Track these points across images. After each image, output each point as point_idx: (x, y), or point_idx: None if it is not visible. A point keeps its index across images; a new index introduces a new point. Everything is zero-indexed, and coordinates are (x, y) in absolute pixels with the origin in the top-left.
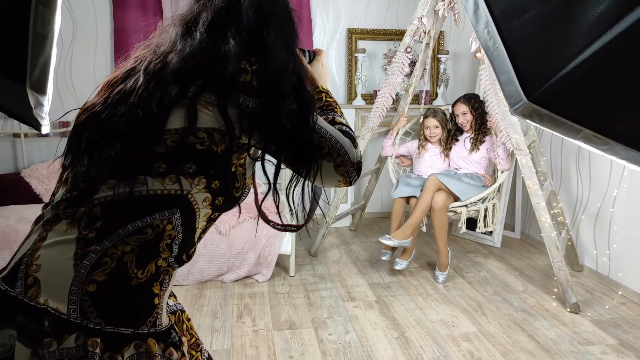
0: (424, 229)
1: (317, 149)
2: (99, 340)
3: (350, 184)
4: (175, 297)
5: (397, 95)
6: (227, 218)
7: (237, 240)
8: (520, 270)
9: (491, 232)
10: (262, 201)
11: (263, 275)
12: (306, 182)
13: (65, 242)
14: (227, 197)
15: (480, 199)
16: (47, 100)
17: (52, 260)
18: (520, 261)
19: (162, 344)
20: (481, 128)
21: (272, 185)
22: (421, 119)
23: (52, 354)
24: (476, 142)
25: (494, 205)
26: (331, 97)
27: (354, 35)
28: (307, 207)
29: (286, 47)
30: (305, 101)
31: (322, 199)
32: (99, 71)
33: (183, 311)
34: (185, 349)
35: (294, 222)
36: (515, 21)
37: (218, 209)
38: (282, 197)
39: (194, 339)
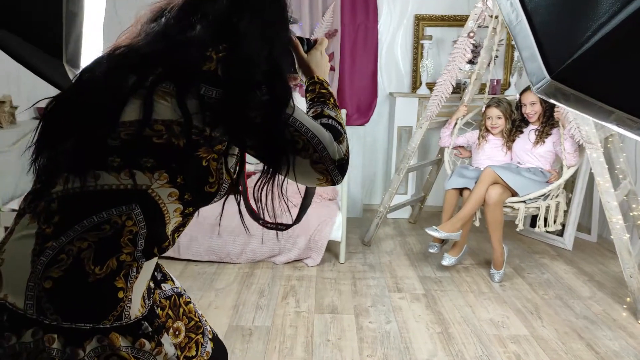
0: (477, 223)
1: (290, 143)
2: (55, 336)
3: (333, 183)
4: (173, 280)
5: (464, 83)
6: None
7: None
8: (590, 276)
9: (562, 233)
10: (246, 199)
11: (313, 259)
12: (276, 179)
13: (27, 236)
14: (197, 193)
15: (541, 196)
16: None
17: (14, 254)
18: (593, 266)
19: (129, 336)
20: (549, 120)
21: (233, 184)
22: (483, 109)
23: (11, 348)
24: (542, 135)
25: (558, 204)
26: (326, 89)
27: (421, 21)
28: (274, 207)
29: (262, 33)
30: (278, 92)
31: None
32: None
33: (180, 295)
34: (170, 338)
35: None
36: None
37: (190, 204)
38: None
39: (192, 322)
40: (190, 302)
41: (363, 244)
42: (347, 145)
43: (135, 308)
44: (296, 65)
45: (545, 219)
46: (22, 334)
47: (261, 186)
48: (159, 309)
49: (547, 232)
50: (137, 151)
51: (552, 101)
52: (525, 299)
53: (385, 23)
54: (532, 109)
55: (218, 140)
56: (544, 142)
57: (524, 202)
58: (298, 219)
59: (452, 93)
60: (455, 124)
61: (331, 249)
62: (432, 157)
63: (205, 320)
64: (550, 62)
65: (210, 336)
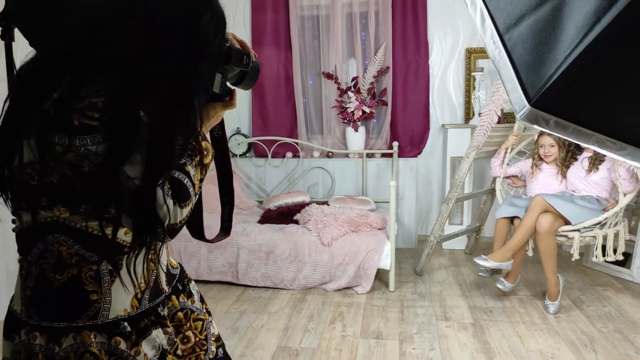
0: (530, 253)
1: (114, 199)
2: (38, 334)
3: (139, 244)
4: (192, 296)
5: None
6: (330, 230)
7: (338, 252)
8: None
9: (625, 264)
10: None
11: (363, 287)
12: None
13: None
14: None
15: (597, 224)
16: None
17: (16, 273)
18: None
19: (104, 334)
20: None
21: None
22: (535, 137)
23: (16, 345)
24: (595, 162)
25: (617, 232)
26: (202, 140)
27: (472, 54)
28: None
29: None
30: (115, 152)
31: None
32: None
33: (192, 311)
34: (160, 336)
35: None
36: (514, 31)
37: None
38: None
39: (197, 339)
40: (201, 319)
41: (415, 274)
42: (190, 208)
43: (119, 308)
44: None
45: (604, 248)
46: (20, 334)
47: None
48: (177, 313)
49: (607, 262)
50: (28, 194)
51: (535, 127)
52: (581, 332)
53: (437, 57)
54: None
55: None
56: (597, 169)
57: (578, 230)
58: (223, 233)
59: (506, 122)
60: (506, 153)
61: (382, 277)
62: (487, 187)
63: (216, 340)
64: (529, 92)
65: (211, 356)
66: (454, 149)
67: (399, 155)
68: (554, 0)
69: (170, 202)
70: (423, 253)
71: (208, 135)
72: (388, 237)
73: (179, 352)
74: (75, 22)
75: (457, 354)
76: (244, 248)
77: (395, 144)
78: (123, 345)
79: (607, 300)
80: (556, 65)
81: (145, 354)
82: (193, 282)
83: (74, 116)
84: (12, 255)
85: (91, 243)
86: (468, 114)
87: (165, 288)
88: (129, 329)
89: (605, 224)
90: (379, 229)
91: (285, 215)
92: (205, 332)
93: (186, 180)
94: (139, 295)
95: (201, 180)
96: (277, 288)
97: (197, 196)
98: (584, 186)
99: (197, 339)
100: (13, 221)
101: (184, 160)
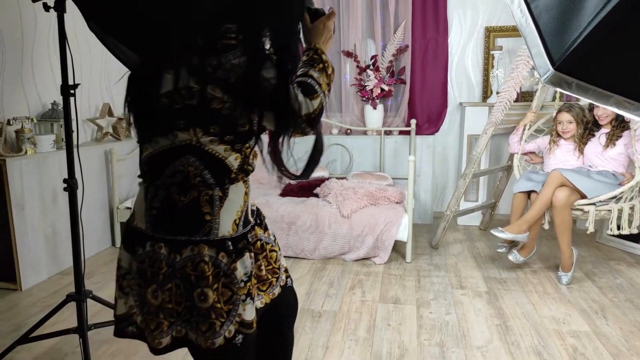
0: (547, 226)
1: (259, 99)
2: (162, 244)
3: (303, 134)
4: (268, 231)
5: (535, 91)
6: (349, 203)
7: (357, 224)
8: None
9: (639, 240)
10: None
11: (381, 258)
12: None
13: (141, 186)
14: (235, 133)
15: (612, 198)
16: None
17: (137, 199)
18: None
19: (213, 248)
20: (620, 124)
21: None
22: (554, 114)
23: (140, 256)
24: (612, 138)
25: (632, 207)
26: (319, 55)
27: (492, 33)
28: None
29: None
30: (254, 60)
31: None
32: None
33: (267, 243)
34: (247, 261)
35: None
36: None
37: (235, 142)
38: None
39: (271, 267)
40: (275, 250)
41: (431, 247)
42: (320, 101)
43: (224, 229)
44: (302, 34)
45: (620, 224)
46: (145, 246)
47: (274, 142)
48: (256, 242)
49: (621, 236)
50: (168, 116)
51: (558, 89)
52: (592, 300)
53: (456, 36)
54: (605, 111)
55: (216, 98)
56: (614, 144)
57: (594, 204)
58: (306, 173)
59: (524, 100)
60: (524, 130)
61: (399, 249)
62: (504, 163)
63: (285, 271)
64: (553, 56)
65: (282, 284)
66: (471, 127)
67: (417, 133)
68: None
69: (300, 96)
70: (439, 227)
71: (327, 48)
72: (405, 210)
73: (254, 274)
74: None
75: (472, 318)
76: (267, 219)
77: (413, 121)
78: (225, 260)
79: (619, 273)
80: (579, 31)
81: (238, 271)
82: (266, 219)
83: (219, 39)
84: (49, 221)
85: (213, 165)
86: (486, 93)
87: (251, 219)
88: (231, 247)
89: (620, 198)
90: (397, 202)
91: (305, 190)
92: (278, 263)
93: (310, 80)
94: (237, 221)
95: (328, 85)
96: (298, 257)
97: (326, 98)
98: (600, 161)
99: (271, 267)
100: (141, 149)
101: (307, 68)
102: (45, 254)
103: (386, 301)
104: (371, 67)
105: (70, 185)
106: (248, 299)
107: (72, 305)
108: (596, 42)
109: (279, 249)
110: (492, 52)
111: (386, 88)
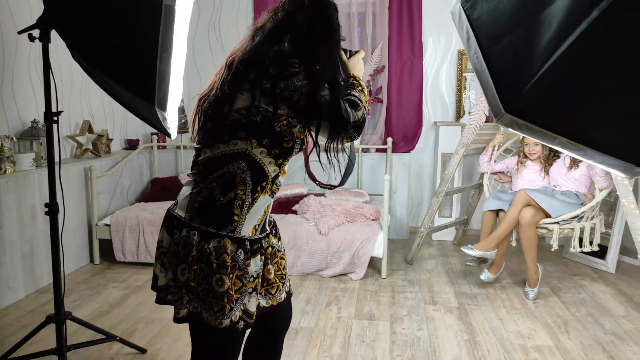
0: (514, 243)
1: (318, 112)
2: (196, 232)
3: (351, 139)
4: (280, 239)
5: None
6: (327, 220)
7: (334, 240)
8: (628, 297)
9: (603, 256)
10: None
11: (357, 274)
12: (337, 139)
13: (190, 182)
14: (280, 149)
15: (575, 217)
16: (169, 115)
17: (183, 191)
18: (634, 288)
19: (235, 244)
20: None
21: (314, 142)
22: (521, 136)
23: (177, 239)
24: (575, 160)
25: (594, 225)
26: (357, 81)
27: (464, 56)
28: (339, 159)
29: (324, 49)
30: (334, 86)
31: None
32: None
33: (279, 250)
34: (258, 261)
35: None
36: (494, 47)
37: (279, 157)
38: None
39: (279, 272)
40: (284, 258)
41: (406, 262)
42: (363, 112)
43: (246, 231)
44: (340, 68)
45: (581, 240)
46: (182, 231)
47: (329, 145)
48: (268, 248)
49: (583, 252)
50: (234, 128)
51: (509, 130)
52: (556, 315)
53: (431, 57)
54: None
55: (282, 115)
56: (577, 166)
57: (558, 223)
58: (343, 181)
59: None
60: (493, 150)
61: (375, 265)
62: (475, 182)
63: (288, 279)
64: (504, 100)
65: (287, 290)
66: (445, 145)
67: (393, 151)
68: (526, 26)
69: (348, 108)
70: (414, 243)
71: (362, 77)
72: (381, 228)
73: (261, 277)
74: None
75: (443, 333)
76: None
77: (390, 139)
78: (242, 256)
79: (582, 288)
80: (529, 77)
81: (251, 267)
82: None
83: (286, 68)
84: (27, 239)
85: (256, 170)
86: (459, 113)
87: (267, 228)
88: (249, 246)
89: (582, 217)
90: (373, 219)
91: (284, 206)
92: (286, 270)
93: (353, 98)
94: (256, 227)
95: (366, 102)
96: None
97: (366, 110)
98: (564, 182)
99: (280, 272)
100: (199, 152)
101: (349, 90)
102: (23, 272)
103: (361, 317)
104: None
105: (52, 209)
106: (254, 292)
107: (50, 325)
108: (542, 89)
109: (285, 257)
110: (464, 74)
111: None
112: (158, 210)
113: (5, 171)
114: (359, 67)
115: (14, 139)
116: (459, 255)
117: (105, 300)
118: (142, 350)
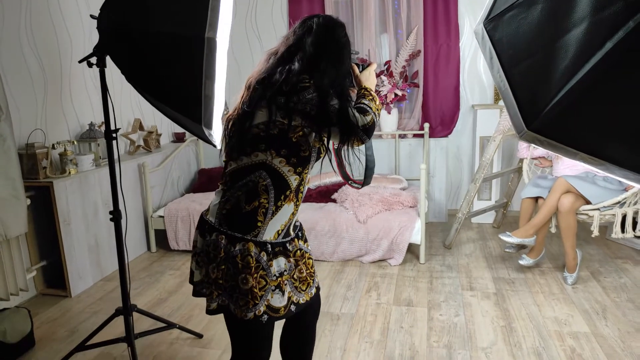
0: (553, 230)
1: (329, 119)
2: (224, 236)
3: (362, 142)
4: (307, 243)
5: None
6: (365, 209)
7: (373, 228)
8: None
9: None
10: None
11: (395, 260)
12: (348, 143)
13: (219, 192)
14: (298, 158)
15: (616, 203)
16: (214, 131)
17: (214, 199)
18: None
19: (258, 247)
20: None
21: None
22: None
23: (207, 242)
24: None
25: (637, 211)
26: (369, 92)
27: None
28: (350, 160)
29: (334, 67)
30: (322, 94)
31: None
32: None
33: (306, 252)
34: (281, 262)
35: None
36: (516, 68)
37: (297, 165)
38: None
39: (308, 271)
40: (311, 258)
41: (444, 247)
42: (372, 117)
43: (268, 236)
44: (354, 81)
45: (623, 225)
46: (211, 235)
47: (340, 149)
48: (297, 251)
49: (625, 238)
50: (254, 141)
51: (532, 145)
52: (595, 301)
53: (468, 40)
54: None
55: (297, 126)
56: None
57: (598, 209)
58: (367, 182)
59: None
60: None
61: (413, 251)
62: (515, 165)
63: (316, 275)
64: (527, 118)
65: (316, 286)
66: (483, 128)
67: (430, 136)
68: (544, 53)
69: (357, 113)
70: (452, 228)
71: (373, 88)
72: (419, 215)
73: (295, 276)
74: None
75: (479, 320)
76: None
77: (427, 124)
78: (265, 258)
79: (624, 272)
80: (549, 98)
81: (273, 267)
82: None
83: (297, 84)
84: (92, 233)
85: (277, 179)
86: (497, 95)
87: (292, 233)
88: (270, 249)
89: (624, 202)
90: (411, 207)
91: (323, 195)
92: (313, 269)
93: (362, 105)
94: (279, 232)
95: (377, 109)
96: (319, 260)
97: (377, 117)
98: None
99: (309, 271)
100: (226, 165)
101: (360, 99)
102: (90, 263)
103: (400, 304)
104: (385, 72)
105: (116, 217)
106: (277, 290)
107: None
108: (562, 109)
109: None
110: None
111: (400, 93)
112: (205, 201)
113: (69, 173)
114: (371, 79)
115: (75, 142)
116: (498, 238)
117: (164, 288)
118: (199, 336)
